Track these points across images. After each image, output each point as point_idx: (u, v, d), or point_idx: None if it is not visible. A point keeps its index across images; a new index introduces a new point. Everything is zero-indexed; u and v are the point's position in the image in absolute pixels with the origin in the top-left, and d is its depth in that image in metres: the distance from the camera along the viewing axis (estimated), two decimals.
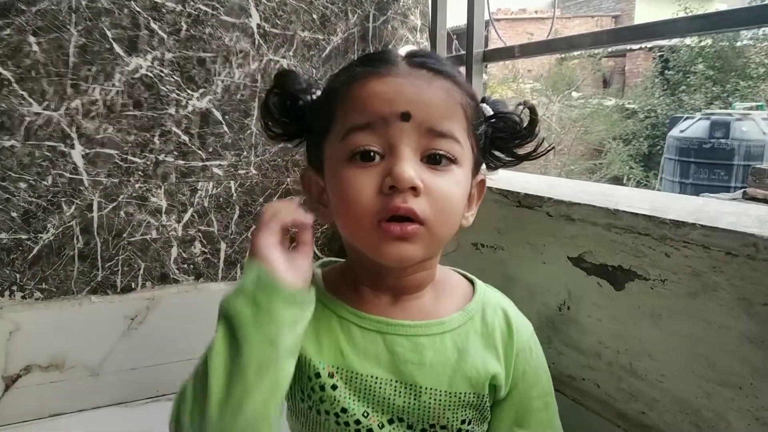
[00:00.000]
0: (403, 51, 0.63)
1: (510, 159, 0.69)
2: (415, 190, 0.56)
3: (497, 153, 0.69)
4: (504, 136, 0.68)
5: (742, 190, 4.98)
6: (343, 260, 0.74)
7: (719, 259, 0.73)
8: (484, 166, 0.70)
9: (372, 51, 0.69)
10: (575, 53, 10.93)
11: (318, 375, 0.63)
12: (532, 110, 0.68)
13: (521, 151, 0.69)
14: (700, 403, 0.76)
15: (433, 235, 0.59)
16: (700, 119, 7.28)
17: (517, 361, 0.67)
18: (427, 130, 0.58)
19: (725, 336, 0.73)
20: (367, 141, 0.58)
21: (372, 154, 0.57)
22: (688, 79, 10.20)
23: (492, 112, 0.67)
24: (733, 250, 0.71)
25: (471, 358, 0.64)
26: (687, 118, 7.70)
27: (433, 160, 0.59)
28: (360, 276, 0.67)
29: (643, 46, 10.97)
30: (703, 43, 10.07)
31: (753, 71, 9.74)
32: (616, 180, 8.83)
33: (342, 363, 0.63)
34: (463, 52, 1.53)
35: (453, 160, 0.60)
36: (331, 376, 0.63)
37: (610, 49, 11.04)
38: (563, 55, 11.04)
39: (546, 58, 11.29)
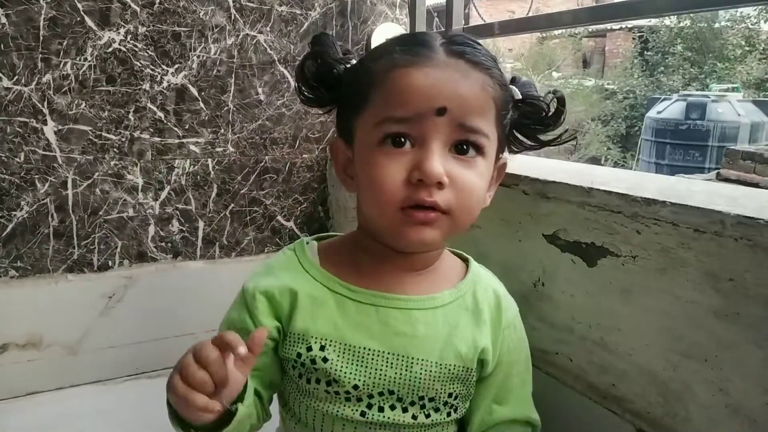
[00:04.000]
0: (440, 34, 0.63)
1: (531, 144, 0.71)
2: (441, 184, 0.58)
3: (520, 137, 0.71)
4: (528, 123, 0.70)
5: (716, 171, 5.08)
6: (341, 234, 0.76)
7: (688, 236, 0.74)
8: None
9: (407, 34, 0.66)
10: (556, 33, 10.94)
11: (309, 348, 0.65)
12: (561, 100, 0.69)
13: (544, 137, 0.71)
14: (667, 374, 0.79)
15: (454, 223, 0.62)
16: (676, 100, 7.37)
17: (503, 336, 0.71)
18: (459, 124, 0.60)
19: (692, 310, 0.75)
20: (400, 129, 0.60)
21: (403, 139, 0.60)
22: (667, 60, 10.30)
23: (520, 96, 0.68)
24: (700, 227, 0.73)
25: (461, 332, 0.67)
26: (664, 99, 7.78)
27: (460, 150, 0.61)
28: (366, 250, 0.69)
29: (623, 26, 11.00)
30: (682, 24, 10.15)
31: (730, 53, 9.87)
32: (594, 161, 8.93)
33: (335, 335, 0.65)
34: (443, 29, 1.52)
35: (479, 152, 0.62)
36: (322, 348, 0.65)
37: (590, 29, 11.06)
38: (544, 35, 11.03)
39: (527, 38, 11.28)
